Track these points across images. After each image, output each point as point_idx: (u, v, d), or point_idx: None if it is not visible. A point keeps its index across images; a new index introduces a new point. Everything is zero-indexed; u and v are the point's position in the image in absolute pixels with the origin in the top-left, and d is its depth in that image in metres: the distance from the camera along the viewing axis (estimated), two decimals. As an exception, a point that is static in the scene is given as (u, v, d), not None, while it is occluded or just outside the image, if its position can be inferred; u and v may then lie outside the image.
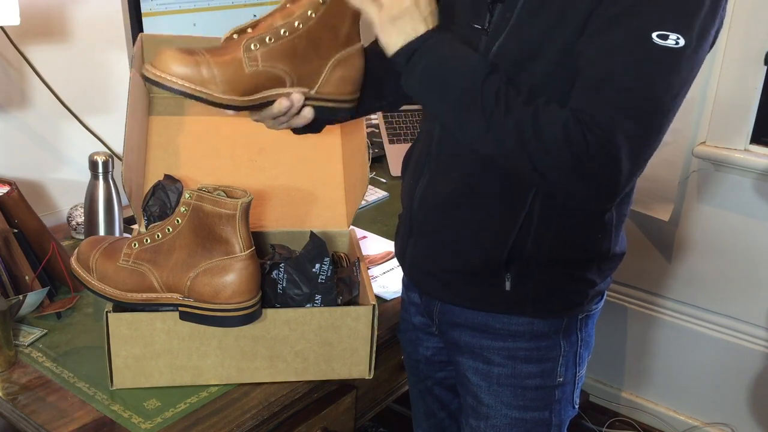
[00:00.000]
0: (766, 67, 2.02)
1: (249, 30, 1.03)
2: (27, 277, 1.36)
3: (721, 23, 0.99)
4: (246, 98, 1.01)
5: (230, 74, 0.99)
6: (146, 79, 0.98)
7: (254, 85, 1.02)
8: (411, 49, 0.99)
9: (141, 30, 1.64)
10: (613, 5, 0.93)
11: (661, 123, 0.95)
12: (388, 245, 1.67)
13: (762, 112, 2.07)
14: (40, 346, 1.28)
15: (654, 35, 0.91)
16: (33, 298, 1.34)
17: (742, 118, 2.09)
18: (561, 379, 1.17)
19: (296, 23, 1.02)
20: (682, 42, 0.91)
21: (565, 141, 0.92)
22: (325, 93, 1.08)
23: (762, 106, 2.07)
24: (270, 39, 1.01)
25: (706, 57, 0.98)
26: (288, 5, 1.05)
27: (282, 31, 1.02)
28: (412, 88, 1.02)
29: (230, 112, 1.02)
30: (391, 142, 2.20)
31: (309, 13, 1.03)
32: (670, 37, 0.91)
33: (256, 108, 1.04)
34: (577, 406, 1.23)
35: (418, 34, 0.98)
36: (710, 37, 0.96)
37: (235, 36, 1.04)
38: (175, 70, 0.97)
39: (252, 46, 1.01)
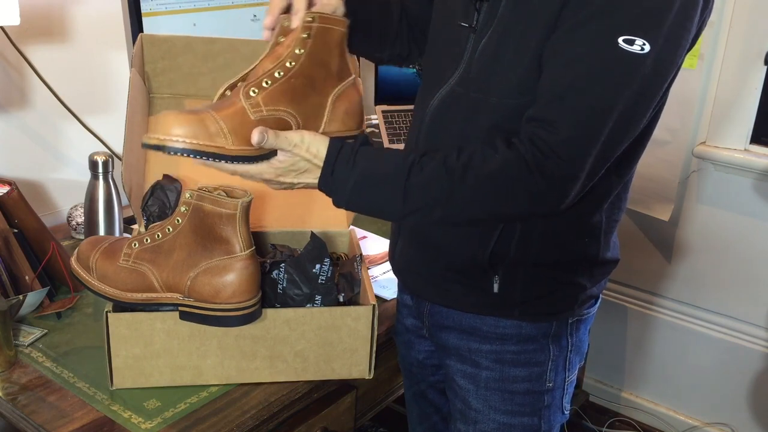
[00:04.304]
0: (766, 67, 2.02)
1: (240, 83, 1.02)
2: (27, 277, 1.36)
3: (704, 23, 0.99)
4: (253, 148, 0.97)
5: (237, 124, 0.96)
6: (148, 147, 0.93)
7: None
8: (328, 189, 1.00)
9: (141, 30, 1.64)
10: (582, 6, 0.92)
11: (622, 128, 0.95)
12: (388, 245, 1.67)
13: (762, 112, 2.07)
14: (40, 346, 1.28)
15: (620, 40, 0.90)
16: (33, 298, 1.34)
17: (742, 118, 2.09)
18: (550, 384, 1.17)
19: (288, 63, 1.02)
20: (647, 48, 0.90)
21: (517, 169, 0.94)
22: (332, 131, 1.06)
23: (762, 106, 2.07)
24: (267, 83, 1.00)
25: (681, 59, 0.97)
26: (273, 50, 1.04)
27: (277, 73, 1.01)
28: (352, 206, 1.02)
29: (228, 166, 0.97)
30: (391, 141, 2.20)
31: (297, 50, 1.02)
32: (636, 42, 0.90)
33: (264, 158, 0.99)
34: (567, 412, 1.22)
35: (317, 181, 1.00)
36: (684, 41, 0.95)
37: (227, 92, 1.01)
38: (177, 131, 0.92)
39: (251, 92, 0.99)
